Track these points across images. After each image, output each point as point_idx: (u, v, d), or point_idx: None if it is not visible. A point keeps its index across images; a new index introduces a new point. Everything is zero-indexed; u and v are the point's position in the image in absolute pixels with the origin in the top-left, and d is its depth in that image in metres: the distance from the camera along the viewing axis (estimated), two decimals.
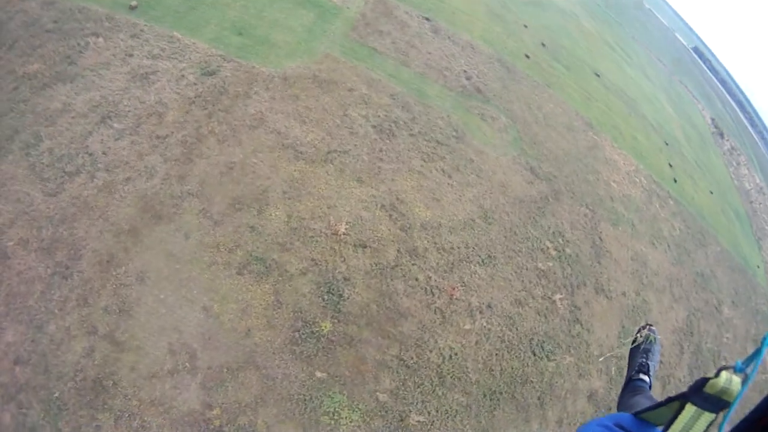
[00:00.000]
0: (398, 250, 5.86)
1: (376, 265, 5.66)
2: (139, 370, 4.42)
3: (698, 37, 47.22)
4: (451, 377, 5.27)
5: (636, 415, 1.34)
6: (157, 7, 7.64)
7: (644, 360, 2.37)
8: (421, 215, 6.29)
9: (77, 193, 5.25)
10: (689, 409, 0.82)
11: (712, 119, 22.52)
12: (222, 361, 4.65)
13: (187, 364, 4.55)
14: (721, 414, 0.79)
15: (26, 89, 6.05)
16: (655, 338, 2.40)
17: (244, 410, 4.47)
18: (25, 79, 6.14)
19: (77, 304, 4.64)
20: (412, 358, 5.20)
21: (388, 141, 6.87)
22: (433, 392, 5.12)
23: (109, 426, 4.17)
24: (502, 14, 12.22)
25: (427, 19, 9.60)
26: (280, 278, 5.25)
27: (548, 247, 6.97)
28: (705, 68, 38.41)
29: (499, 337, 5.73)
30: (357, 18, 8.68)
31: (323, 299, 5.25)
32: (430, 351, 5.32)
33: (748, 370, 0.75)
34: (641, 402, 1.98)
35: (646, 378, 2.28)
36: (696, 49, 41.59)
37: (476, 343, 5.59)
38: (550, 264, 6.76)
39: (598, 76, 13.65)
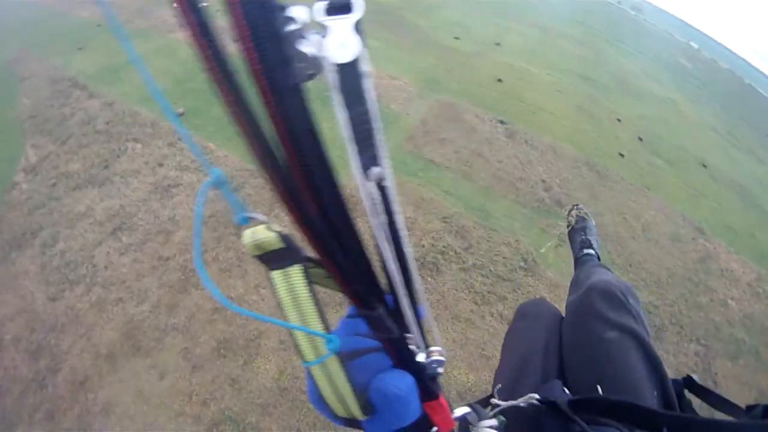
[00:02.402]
0: None
1: None
2: None
3: None
4: None
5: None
6: (201, 114, 6.34)
7: (584, 236, 2.22)
8: (460, 380, 3.99)
9: (72, 304, 4.29)
10: (276, 276, 0.49)
11: None
12: None
13: None
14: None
15: (62, 187, 5.29)
16: (586, 213, 2.32)
17: None
18: (63, 177, 5.40)
19: (44, 417, 3.70)
20: None
21: (430, 279, 4.64)
22: None
23: None
24: (592, 109, 9.51)
25: (502, 122, 7.31)
26: None
27: None
28: None
29: None
30: (416, 126, 6.70)
31: None
32: None
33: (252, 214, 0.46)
34: (589, 271, 1.86)
35: (591, 251, 2.10)
36: None
37: None
38: None
39: (705, 167, 10.19)
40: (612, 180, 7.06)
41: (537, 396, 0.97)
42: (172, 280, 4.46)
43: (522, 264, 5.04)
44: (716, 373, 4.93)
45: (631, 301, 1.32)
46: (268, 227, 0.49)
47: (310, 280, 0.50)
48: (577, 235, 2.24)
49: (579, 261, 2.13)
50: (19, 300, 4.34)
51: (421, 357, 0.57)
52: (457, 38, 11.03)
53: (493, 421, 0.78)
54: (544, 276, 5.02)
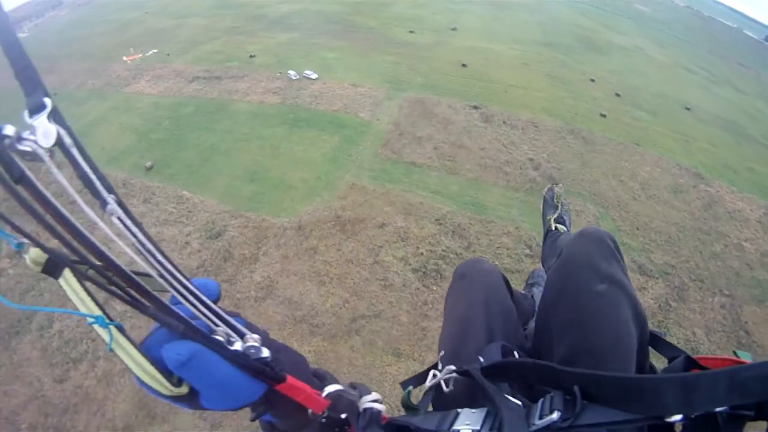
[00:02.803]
0: None
1: None
2: None
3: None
4: None
5: None
6: (172, 164, 6.08)
7: (557, 215, 2.23)
8: None
9: (80, 383, 4.11)
10: (61, 282, 0.59)
11: None
12: None
13: None
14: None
15: None
16: (562, 194, 2.32)
17: None
18: None
19: None
20: None
21: (435, 287, 4.39)
22: None
23: None
24: (562, 74, 9.30)
25: (476, 107, 7.06)
26: None
27: None
28: None
29: None
30: (389, 130, 6.42)
31: None
32: None
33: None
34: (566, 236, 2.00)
35: (564, 227, 2.12)
36: None
37: None
38: None
39: (689, 109, 10.00)
40: (599, 143, 6.84)
41: (453, 367, 0.98)
42: None
43: (527, 251, 4.81)
44: (746, 322, 4.69)
45: (618, 249, 1.26)
46: (34, 244, 0.56)
47: (80, 279, 0.58)
48: (551, 212, 2.21)
49: (550, 234, 2.10)
50: (27, 388, 4.16)
51: (237, 345, 0.61)
52: (412, 32, 10.79)
53: (376, 395, 0.79)
54: None
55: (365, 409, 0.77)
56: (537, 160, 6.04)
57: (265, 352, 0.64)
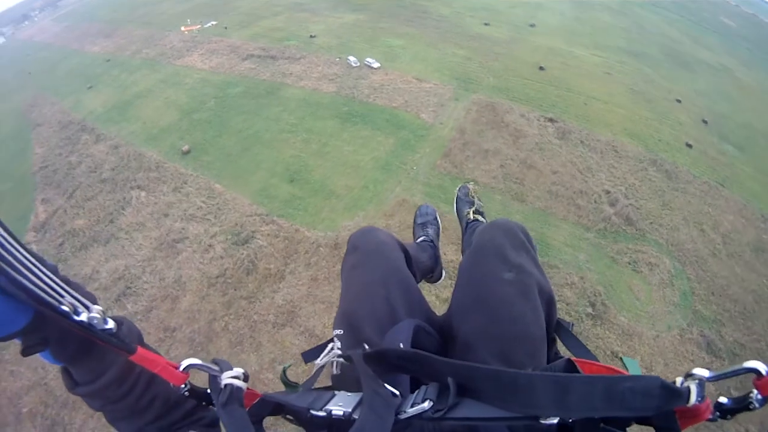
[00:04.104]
0: None
1: None
2: None
3: None
4: None
5: None
6: (210, 150, 5.52)
7: (472, 209, 2.11)
8: None
9: None
10: None
11: None
12: None
13: None
14: None
15: (69, 247, 4.80)
16: (476, 189, 2.18)
17: None
18: (70, 235, 4.91)
19: None
20: None
21: None
22: None
23: None
24: (648, 91, 8.02)
25: (551, 120, 6.01)
26: None
27: None
28: None
29: None
30: (452, 137, 5.49)
31: None
32: None
33: None
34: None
35: (482, 219, 2.00)
36: None
37: None
38: None
39: None
40: (683, 180, 5.69)
41: (339, 351, 0.99)
42: (180, 355, 3.70)
43: (589, 310, 3.91)
44: None
45: (530, 242, 1.22)
46: None
47: None
48: (467, 207, 2.08)
49: (470, 225, 1.98)
50: (32, 373, 3.95)
51: (83, 317, 0.61)
52: (486, 24, 9.66)
53: (238, 372, 0.77)
54: (615, 322, 3.89)
55: (226, 385, 0.74)
56: (614, 194, 5.02)
57: (111, 323, 0.64)
